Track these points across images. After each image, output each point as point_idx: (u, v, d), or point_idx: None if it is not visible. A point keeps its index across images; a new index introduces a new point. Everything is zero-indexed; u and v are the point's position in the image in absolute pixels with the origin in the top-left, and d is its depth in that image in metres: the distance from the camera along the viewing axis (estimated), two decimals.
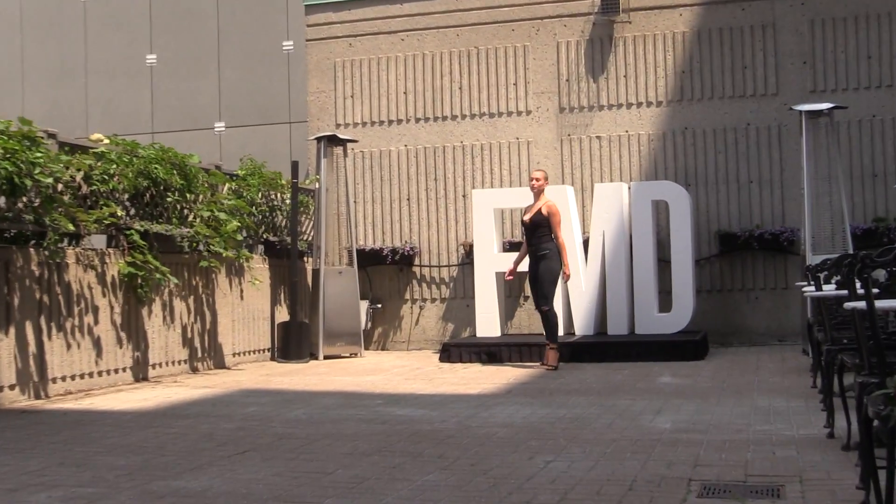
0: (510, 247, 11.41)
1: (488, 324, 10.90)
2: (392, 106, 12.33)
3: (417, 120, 12.25)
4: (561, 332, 10.64)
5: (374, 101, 12.38)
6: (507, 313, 11.64)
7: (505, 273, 9.62)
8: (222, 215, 9.52)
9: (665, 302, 10.85)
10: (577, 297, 10.72)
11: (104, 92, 14.87)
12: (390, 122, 12.33)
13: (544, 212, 8.98)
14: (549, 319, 8.91)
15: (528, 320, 11.63)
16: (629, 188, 10.88)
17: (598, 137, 11.59)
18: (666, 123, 11.43)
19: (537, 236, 8.95)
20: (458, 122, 12.10)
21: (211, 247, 9.42)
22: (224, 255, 9.53)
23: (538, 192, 9.10)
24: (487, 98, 11.99)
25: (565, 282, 9.16)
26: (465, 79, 12.05)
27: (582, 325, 10.70)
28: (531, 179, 9.14)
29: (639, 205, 10.65)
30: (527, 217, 9.07)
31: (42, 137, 7.64)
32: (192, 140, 14.09)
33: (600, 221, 10.72)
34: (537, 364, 9.61)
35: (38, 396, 7.51)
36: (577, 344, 9.95)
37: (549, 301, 8.90)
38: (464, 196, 11.97)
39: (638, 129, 11.49)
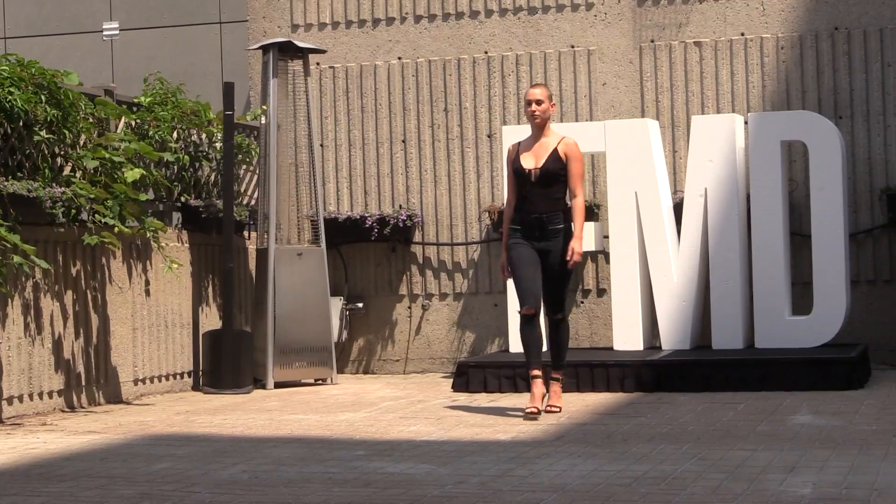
0: None
1: None
2: None
3: (418, 18, 12.17)
4: (640, 346, 10.62)
5: None
6: None
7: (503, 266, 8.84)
8: (117, 157, 9.44)
9: (802, 299, 10.80)
10: (665, 293, 10.68)
11: None
12: (376, 21, 12.25)
13: (563, 155, 8.53)
14: (565, 334, 8.80)
15: (588, 327, 11.58)
16: (746, 123, 10.84)
17: (698, 44, 11.50)
18: (805, 20, 11.33)
19: (549, 198, 8.52)
20: (480, 21, 12.01)
21: (100, 215, 9.36)
22: (119, 230, 9.46)
23: (542, 124, 8.61)
24: None
25: (569, 267, 8.49)
26: None
27: (672, 334, 10.69)
28: (530, 104, 8.57)
29: (761, 149, 10.59)
30: (531, 164, 8.54)
31: None
32: (67, 50, 14.01)
33: (700, 175, 10.67)
34: (603, 393, 9.57)
35: None
36: (664, 364, 9.93)
37: (565, 304, 8.78)
38: (490, 136, 11.92)
39: (760, 31, 11.39)
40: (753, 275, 10.59)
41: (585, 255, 11.39)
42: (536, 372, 8.53)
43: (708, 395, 9.35)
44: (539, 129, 8.59)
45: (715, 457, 6.59)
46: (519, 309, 8.53)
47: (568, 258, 8.38)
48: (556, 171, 8.46)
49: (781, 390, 9.43)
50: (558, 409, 8.58)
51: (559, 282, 8.53)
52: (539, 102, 8.52)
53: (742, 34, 11.41)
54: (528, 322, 8.48)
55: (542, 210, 8.47)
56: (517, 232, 8.56)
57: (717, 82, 11.44)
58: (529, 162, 8.52)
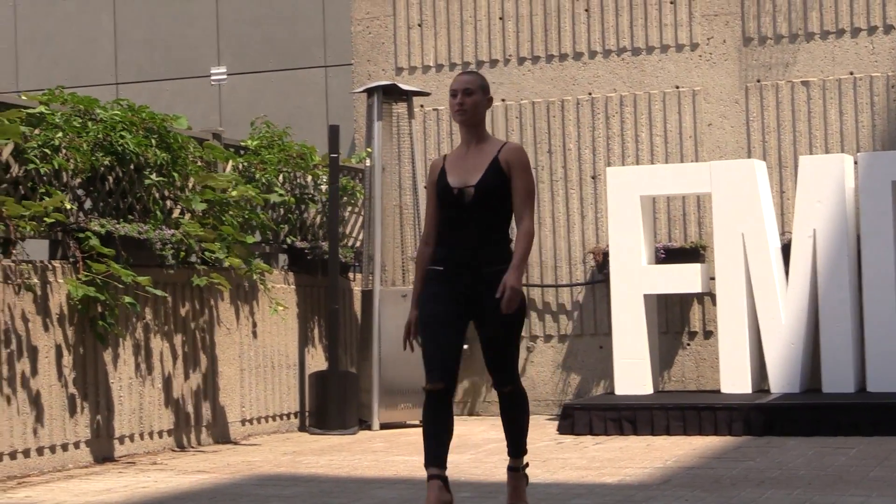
0: (666, 255, 11.30)
1: (633, 375, 10.86)
2: (482, 39, 12.32)
3: (522, 60, 12.21)
4: (749, 389, 10.52)
5: (455, 33, 12.38)
6: (664, 358, 11.53)
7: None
8: (224, 198, 9.56)
9: None
10: (774, 335, 10.58)
11: (41, 23, 15.11)
12: (480, 63, 12.31)
13: (504, 164, 6.22)
14: (521, 409, 6.49)
15: (694, 369, 11.49)
16: (855, 163, 10.74)
17: (805, 83, 11.43)
18: None
19: (487, 227, 6.24)
20: (584, 62, 12.03)
21: (209, 254, 9.48)
22: (229, 263, 9.57)
23: (473, 122, 6.31)
24: (630, 25, 11.91)
25: (504, 310, 6.10)
26: None
27: (781, 377, 10.58)
28: (455, 94, 6.27)
29: (872, 189, 10.51)
30: (463, 182, 6.24)
31: None
32: (177, 94, 14.23)
33: (809, 216, 10.59)
34: (711, 436, 9.48)
35: None
36: (773, 408, 9.85)
37: (518, 374, 6.44)
38: (594, 177, 11.91)
39: (869, 69, 11.30)
40: (865, 316, 10.46)
41: (687, 297, 11.33)
42: (434, 471, 6.22)
43: (818, 440, 9.25)
44: (469, 130, 6.30)
45: (826, 502, 6.52)
46: (424, 384, 6.23)
47: (498, 294, 6.04)
48: (498, 189, 6.20)
49: (895, 435, 9.31)
50: None
51: (503, 343, 6.27)
52: (468, 92, 6.24)
53: (851, 73, 11.32)
54: (433, 401, 6.20)
55: (476, 245, 6.20)
56: (437, 275, 6.27)
57: (825, 122, 11.35)
58: (459, 178, 6.23)
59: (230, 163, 10.44)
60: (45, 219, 8.31)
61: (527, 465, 6.55)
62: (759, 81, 11.56)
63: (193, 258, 9.67)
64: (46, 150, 8.47)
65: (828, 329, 10.49)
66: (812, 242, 10.56)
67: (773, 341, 10.59)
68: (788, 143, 11.43)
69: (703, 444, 9.23)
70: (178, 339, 9.57)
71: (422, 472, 7.97)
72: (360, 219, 11.93)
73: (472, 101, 6.21)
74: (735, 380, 10.59)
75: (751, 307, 10.66)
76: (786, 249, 10.76)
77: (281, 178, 11.08)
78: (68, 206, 8.55)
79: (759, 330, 10.66)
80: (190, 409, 9.67)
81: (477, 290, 6.19)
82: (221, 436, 9.98)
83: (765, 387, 10.69)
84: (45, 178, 8.52)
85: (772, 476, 7.54)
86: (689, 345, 11.55)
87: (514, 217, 6.24)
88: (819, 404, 9.83)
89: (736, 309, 10.63)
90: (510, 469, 6.48)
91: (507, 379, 6.30)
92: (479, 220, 6.18)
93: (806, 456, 8.41)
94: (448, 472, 7.90)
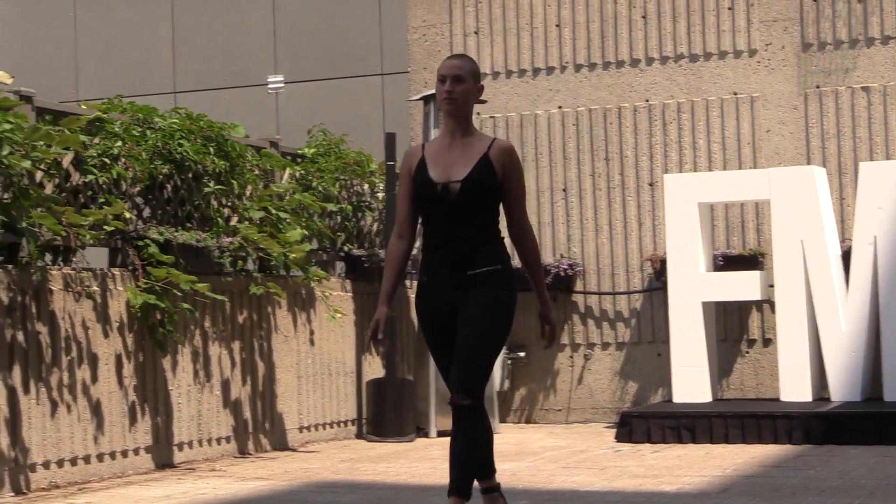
0: (724, 263, 11.25)
1: (691, 383, 10.82)
2: (539, 46, 12.32)
3: (578, 67, 12.20)
4: (809, 397, 10.45)
5: (512, 40, 12.39)
6: (722, 366, 11.49)
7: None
8: (283, 213, 9.61)
9: None
10: (834, 343, 10.51)
11: (100, 32, 15.24)
12: (536, 70, 12.31)
13: (498, 165, 5.71)
14: (482, 428, 5.71)
15: (753, 377, 11.43)
16: None
17: (865, 89, 11.36)
18: None
19: (474, 228, 5.72)
20: (640, 69, 12.01)
21: (270, 255, 9.49)
22: (295, 257, 9.57)
23: (462, 114, 5.75)
24: (687, 31, 11.87)
25: (547, 346, 5.95)
26: (653, 2, 11.96)
27: (842, 385, 10.51)
28: (444, 80, 5.71)
29: None
30: (447, 176, 5.70)
31: (12, 99, 7.81)
32: (234, 102, 14.31)
33: (869, 222, 10.51)
34: (770, 445, 9.43)
35: (11, 490, 7.66)
36: (834, 416, 9.81)
37: (483, 388, 5.67)
38: (651, 184, 11.88)
39: None
40: None
41: (745, 305, 11.27)
42: (454, 500, 5.68)
43: (880, 449, 9.20)
44: (457, 122, 5.75)
45: None
46: (450, 400, 5.70)
47: (542, 336, 5.90)
48: (488, 186, 5.68)
49: None
50: None
51: (474, 346, 5.64)
52: (458, 80, 5.69)
53: None
54: (458, 416, 5.71)
55: (464, 249, 5.70)
56: (425, 288, 5.82)
57: (885, 128, 11.27)
58: (442, 172, 5.69)
59: (287, 171, 10.49)
60: (105, 227, 8.39)
61: (499, 484, 5.93)
62: (818, 87, 11.49)
63: (250, 265, 9.71)
64: (106, 160, 8.55)
65: (889, 336, 10.41)
66: (872, 249, 10.49)
67: (833, 349, 10.53)
68: (848, 149, 11.36)
69: (763, 452, 9.20)
70: (235, 346, 9.62)
71: None
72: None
73: (462, 90, 5.67)
74: (795, 388, 10.53)
75: (810, 315, 10.59)
76: (846, 256, 10.69)
77: (338, 186, 11.11)
78: (127, 215, 8.62)
79: (818, 337, 10.60)
80: (248, 415, 9.71)
81: (463, 291, 5.68)
82: (279, 442, 10.02)
83: (825, 395, 10.62)
84: (104, 186, 8.59)
85: (833, 485, 7.51)
86: (747, 352, 11.50)
87: (509, 224, 5.81)
88: (880, 413, 9.78)
89: (795, 316, 10.57)
90: (484, 492, 5.83)
91: (471, 388, 5.56)
92: (466, 220, 5.66)
93: (867, 465, 8.37)
94: (505, 480, 7.93)
